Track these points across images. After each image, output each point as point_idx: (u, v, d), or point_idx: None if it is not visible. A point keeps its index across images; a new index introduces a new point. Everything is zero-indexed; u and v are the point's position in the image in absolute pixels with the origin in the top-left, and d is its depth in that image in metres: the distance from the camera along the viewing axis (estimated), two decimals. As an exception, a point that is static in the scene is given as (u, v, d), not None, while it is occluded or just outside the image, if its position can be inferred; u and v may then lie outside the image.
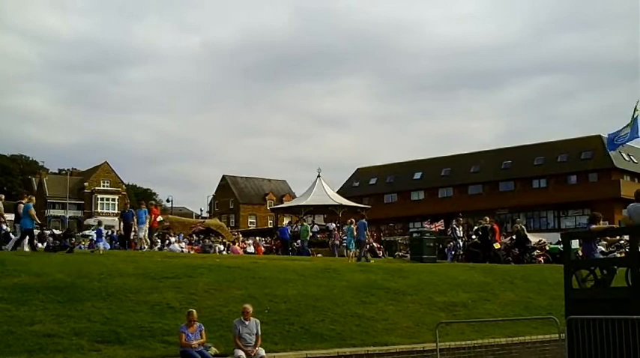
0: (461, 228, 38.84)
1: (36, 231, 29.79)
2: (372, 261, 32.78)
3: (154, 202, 36.03)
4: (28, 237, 27.35)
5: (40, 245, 29.95)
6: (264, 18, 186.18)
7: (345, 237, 34.98)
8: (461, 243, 37.74)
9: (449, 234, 39.05)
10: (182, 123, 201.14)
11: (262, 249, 46.38)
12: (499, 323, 20.51)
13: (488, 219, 37.03)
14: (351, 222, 34.06)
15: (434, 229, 42.68)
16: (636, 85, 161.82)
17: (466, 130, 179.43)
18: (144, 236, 32.88)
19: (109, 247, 34.43)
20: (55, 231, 38.10)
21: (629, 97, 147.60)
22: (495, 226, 36.58)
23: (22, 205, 27.49)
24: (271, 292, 20.63)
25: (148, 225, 32.95)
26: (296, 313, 19.24)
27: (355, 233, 33.12)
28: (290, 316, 18.92)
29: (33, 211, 27.02)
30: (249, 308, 16.13)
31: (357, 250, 33.11)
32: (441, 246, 39.29)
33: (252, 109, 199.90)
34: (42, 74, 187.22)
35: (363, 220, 34.73)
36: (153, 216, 34.27)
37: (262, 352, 15.52)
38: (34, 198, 28.85)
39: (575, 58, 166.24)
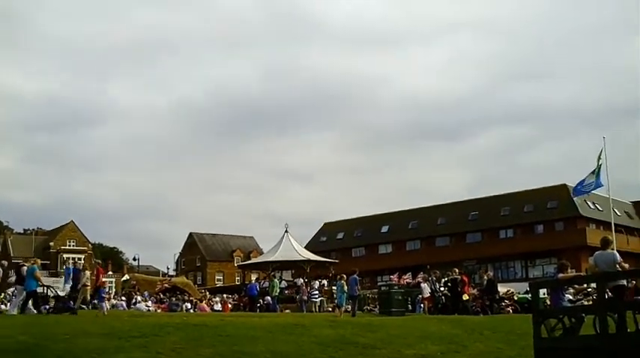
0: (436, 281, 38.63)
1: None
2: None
3: (100, 262, 35.51)
4: (32, 299, 27.48)
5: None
6: (229, 75, 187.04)
7: (334, 292, 34.60)
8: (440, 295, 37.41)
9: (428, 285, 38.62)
10: (149, 180, 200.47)
11: (229, 306, 46.16)
12: (469, 374, 20.41)
13: (457, 270, 37.06)
14: (341, 278, 33.81)
15: (401, 282, 42.73)
16: (595, 131, 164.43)
17: (432, 181, 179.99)
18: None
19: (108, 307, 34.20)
20: (58, 292, 38.03)
21: (590, 145, 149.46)
22: (464, 277, 36.65)
23: (25, 267, 27.72)
24: (240, 349, 20.41)
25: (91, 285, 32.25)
26: (265, 370, 19.06)
27: (346, 288, 32.81)
28: (259, 373, 18.74)
29: (38, 273, 27.67)
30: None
31: (345, 306, 32.66)
32: (409, 298, 39.20)
33: (218, 165, 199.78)
34: (4, 133, 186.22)
35: (355, 275, 34.41)
36: (99, 275, 33.36)
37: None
38: (38, 261, 29.44)
39: (534, 108, 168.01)
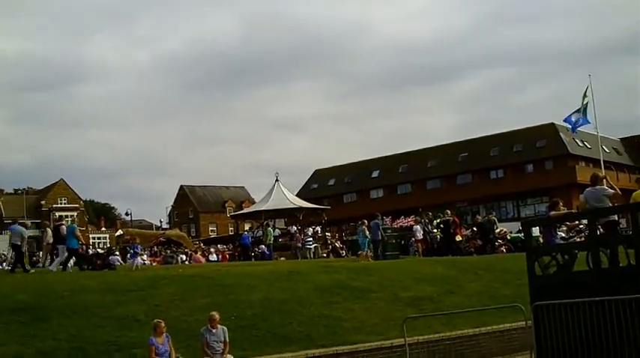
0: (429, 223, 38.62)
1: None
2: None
3: (68, 220, 35.27)
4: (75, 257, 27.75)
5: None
6: (211, 27, 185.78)
7: (358, 238, 34.29)
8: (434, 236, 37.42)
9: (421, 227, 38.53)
10: (137, 136, 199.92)
11: (227, 255, 46.34)
12: (466, 314, 20.58)
13: (449, 212, 37.15)
14: (362, 223, 33.75)
15: (395, 225, 42.86)
16: (582, 71, 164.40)
17: (420, 126, 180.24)
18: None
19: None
20: (98, 250, 38.30)
21: (577, 84, 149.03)
22: (456, 219, 36.79)
23: (63, 226, 27.90)
24: (236, 298, 20.57)
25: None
26: (262, 318, 19.20)
27: (368, 233, 32.70)
28: (257, 321, 18.88)
29: (78, 232, 27.57)
30: (216, 315, 16.07)
31: (367, 250, 32.50)
32: (402, 241, 39.32)
33: (206, 119, 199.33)
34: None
35: (376, 220, 34.40)
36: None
37: (231, 358, 15.49)
38: (77, 219, 29.41)
39: (520, 49, 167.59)
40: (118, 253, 39.85)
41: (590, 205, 16.19)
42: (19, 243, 27.09)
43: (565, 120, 45.67)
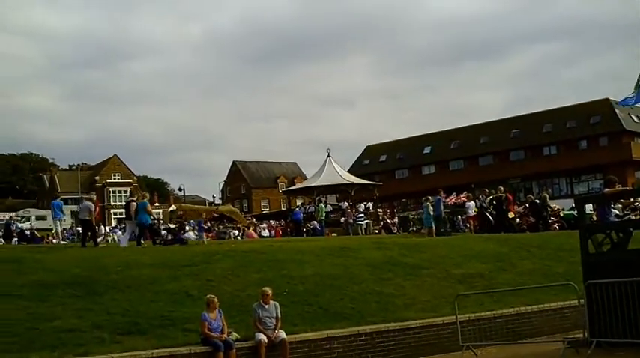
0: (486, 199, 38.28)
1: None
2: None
3: (94, 194, 35.47)
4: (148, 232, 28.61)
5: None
6: (263, 2, 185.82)
7: (422, 214, 34.19)
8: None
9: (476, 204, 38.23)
10: (188, 112, 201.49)
11: (280, 231, 46.53)
12: (517, 292, 20.45)
13: (502, 188, 36.87)
14: (427, 199, 33.80)
15: (449, 202, 42.62)
16: (634, 46, 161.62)
17: (472, 102, 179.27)
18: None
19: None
20: (170, 225, 38.84)
21: (628, 59, 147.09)
22: (509, 195, 36.50)
23: (133, 203, 28.40)
24: (288, 274, 20.64)
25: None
26: (314, 293, 19.26)
27: (431, 209, 32.70)
28: (308, 297, 18.93)
29: (149, 207, 28.17)
30: (269, 291, 16.20)
31: (431, 227, 32.50)
32: (455, 218, 39.17)
33: (257, 94, 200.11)
34: (44, 72, 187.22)
35: (439, 196, 34.38)
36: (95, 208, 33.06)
37: (283, 334, 15.54)
38: (147, 195, 29.92)
39: (573, 24, 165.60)
40: (188, 228, 40.09)
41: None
42: (88, 218, 27.63)
43: (620, 103, 45.10)
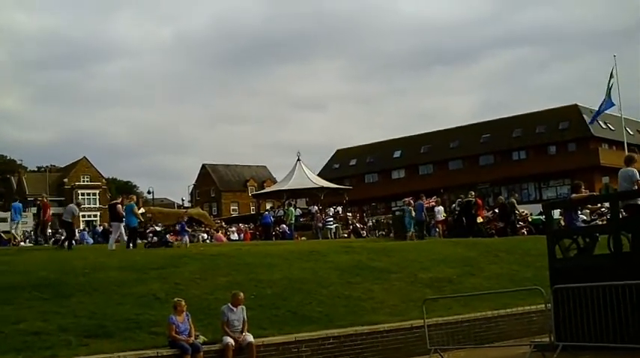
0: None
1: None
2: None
3: (45, 195, 35.13)
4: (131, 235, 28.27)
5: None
6: (234, 4, 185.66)
7: (404, 218, 34.26)
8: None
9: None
10: (159, 114, 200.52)
11: (250, 234, 46.46)
12: (485, 296, 20.53)
13: (473, 193, 37.01)
14: (409, 203, 33.80)
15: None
16: (604, 53, 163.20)
17: (442, 106, 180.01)
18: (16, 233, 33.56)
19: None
20: (156, 228, 38.69)
21: (599, 65, 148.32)
22: (478, 200, 36.66)
23: (119, 205, 28.31)
24: (256, 277, 20.64)
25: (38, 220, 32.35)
26: (282, 297, 19.27)
27: (414, 214, 32.80)
28: (277, 300, 18.95)
29: (136, 209, 28.38)
30: (241, 294, 16.25)
31: (414, 231, 32.60)
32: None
33: (227, 97, 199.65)
34: (11, 73, 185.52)
35: (420, 201, 34.64)
36: (46, 210, 32.32)
37: (250, 337, 15.51)
38: (134, 197, 29.99)
39: (543, 30, 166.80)
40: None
41: (621, 186, 16.13)
42: (70, 221, 27.83)
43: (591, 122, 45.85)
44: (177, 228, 33.61)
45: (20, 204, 33.73)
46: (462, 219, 35.61)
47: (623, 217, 16.57)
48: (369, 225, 50.06)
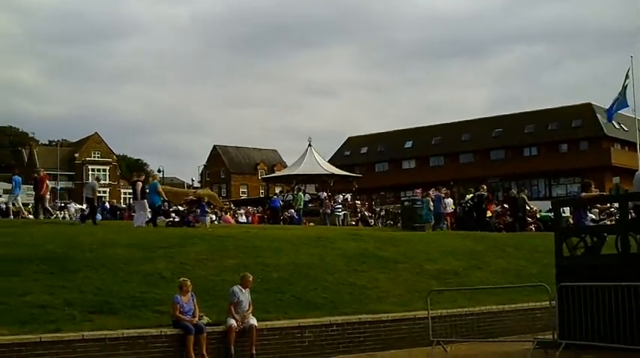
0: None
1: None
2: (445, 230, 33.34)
3: (41, 169, 34.80)
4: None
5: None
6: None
7: (422, 210, 34.16)
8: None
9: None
10: (172, 94, 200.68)
11: (258, 217, 46.46)
12: (490, 290, 20.54)
13: (485, 187, 36.91)
14: (427, 195, 33.81)
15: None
16: (620, 53, 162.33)
17: (454, 99, 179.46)
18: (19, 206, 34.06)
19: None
20: (179, 208, 38.77)
21: (614, 64, 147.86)
22: (490, 195, 36.60)
23: (139, 183, 28.10)
24: (263, 261, 20.64)
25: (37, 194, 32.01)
26: (288, 282, 19.27)
27: (432, 206, 32.75)
28: (282, 285, 18.95)
29: (160, 188, 28.56)
30: (251, 277, 16.46)
31: (430, 222, 32.61)
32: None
33: (241, 80, 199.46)
34: (26, 46, 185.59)
35: (438, 193, 34.76)
36: (42, 184, 31.78)
37: (254, 320, 15.54)
38: (157, 176, 29.89)
39: (559, 26, 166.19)
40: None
41: (635, 188, 16.10)
42: (91, 196, 28.16)
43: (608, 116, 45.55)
44: (197, 209, 33.53)
45: (20, 178, 33.65)
46: (472, 213, 35.52)
47: (632, 218, 16.55)
48: (382, 214, 49.91)
